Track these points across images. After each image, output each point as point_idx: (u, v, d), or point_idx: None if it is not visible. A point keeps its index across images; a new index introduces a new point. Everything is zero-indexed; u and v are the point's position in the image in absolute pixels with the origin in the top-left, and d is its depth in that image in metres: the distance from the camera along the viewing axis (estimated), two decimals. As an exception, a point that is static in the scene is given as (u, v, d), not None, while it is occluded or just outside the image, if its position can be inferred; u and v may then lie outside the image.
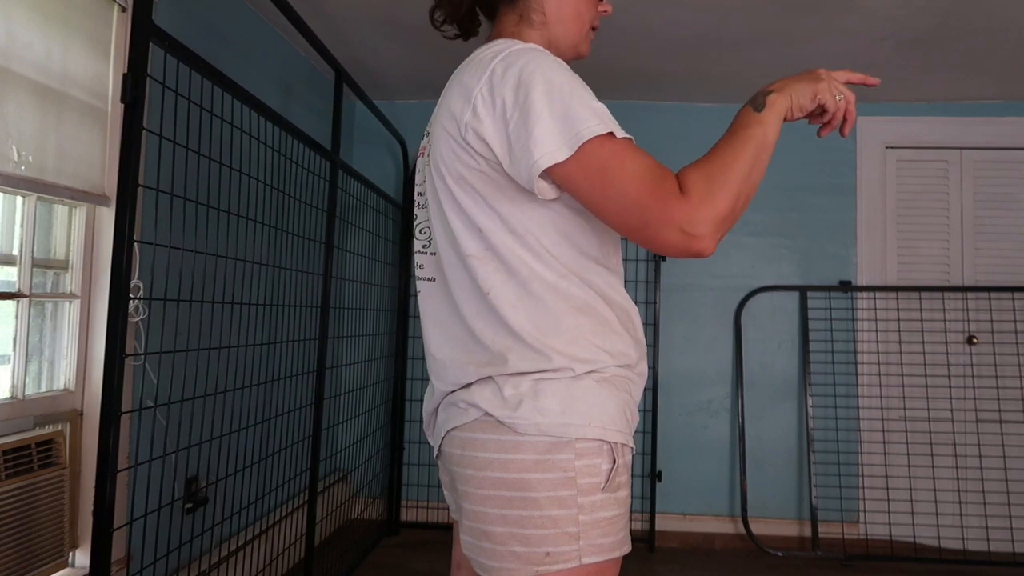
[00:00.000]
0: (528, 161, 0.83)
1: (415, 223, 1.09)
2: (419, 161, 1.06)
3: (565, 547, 0.84)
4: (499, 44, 0.94)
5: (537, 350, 0.89)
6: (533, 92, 0.83)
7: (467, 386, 0.93)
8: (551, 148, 0.82)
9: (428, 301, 1.03)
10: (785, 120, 0.95)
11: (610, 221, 0.85)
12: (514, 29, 0.99)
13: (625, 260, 3.36)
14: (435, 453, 1.02)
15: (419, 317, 1.06)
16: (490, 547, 0.87)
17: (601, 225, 0.93)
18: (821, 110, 1.00)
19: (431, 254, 1.03)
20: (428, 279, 1.04)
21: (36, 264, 1.72)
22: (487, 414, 0.89)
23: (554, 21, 0.99)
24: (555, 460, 0.85)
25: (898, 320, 3.22)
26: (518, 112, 0.84)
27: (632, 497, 3.29)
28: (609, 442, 0.88)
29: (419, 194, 1.06)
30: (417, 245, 1.07)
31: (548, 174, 0.85)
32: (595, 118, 0.83)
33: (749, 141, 0.87)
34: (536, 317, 0.90)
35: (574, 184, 0.84)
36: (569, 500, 0.85)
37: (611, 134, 0.83)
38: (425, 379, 3.60)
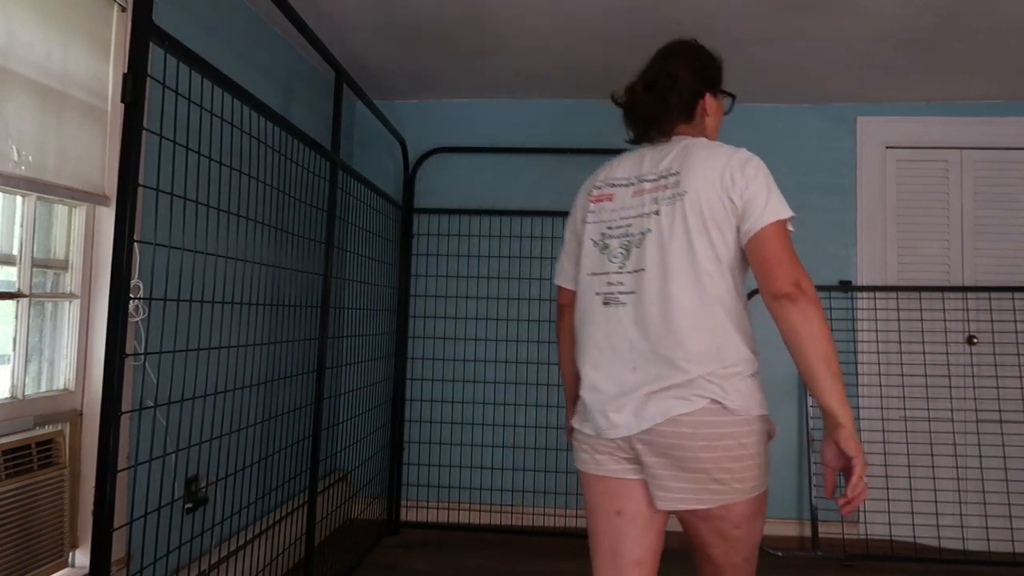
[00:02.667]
0: (766, 211, 1.29)
1: (605, 250, 1.41)
2: (604, 208, 1.43)
3: (762, 479, 1.31)
4: (702, 139, 1.40)
5: (745, 352, 1.31)
6: (770, 177, 1.33)
7: (689, 380, 1.27)
8: (780, 212, 1.29)
9: (621, 312, 1.36)
10: (837, 429, 1.20)
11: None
12: (694, 132, 1.46)
13: (625, 260, 3.37)
14: (621, 434, 1.32)
15: (584, 318, 1.42)
16: (716, 487, 1.27)
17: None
18: (848, 463, 1.20)
19: (631, 272, 1.36)
20: (628, 292, 1.36)
21: (36, 264, 1.73)
22: (713, 401, 1.26)
23: (711, 131, 1.49)
24: (755, 428, 1.29)
25: (898, 320, 3.22)
26: (757, 183, 1.30)
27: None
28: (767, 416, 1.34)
29: (615, 227, 1.40)
30: (607, 267, 1.40)
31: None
32: (785, 209, 1.31)
33: (832, 362, 1.22)
34: (744, 325, 1.33)
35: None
36: (762, 452, 1.31)
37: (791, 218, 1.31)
38: (425, 379, 3.61)
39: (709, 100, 1.46)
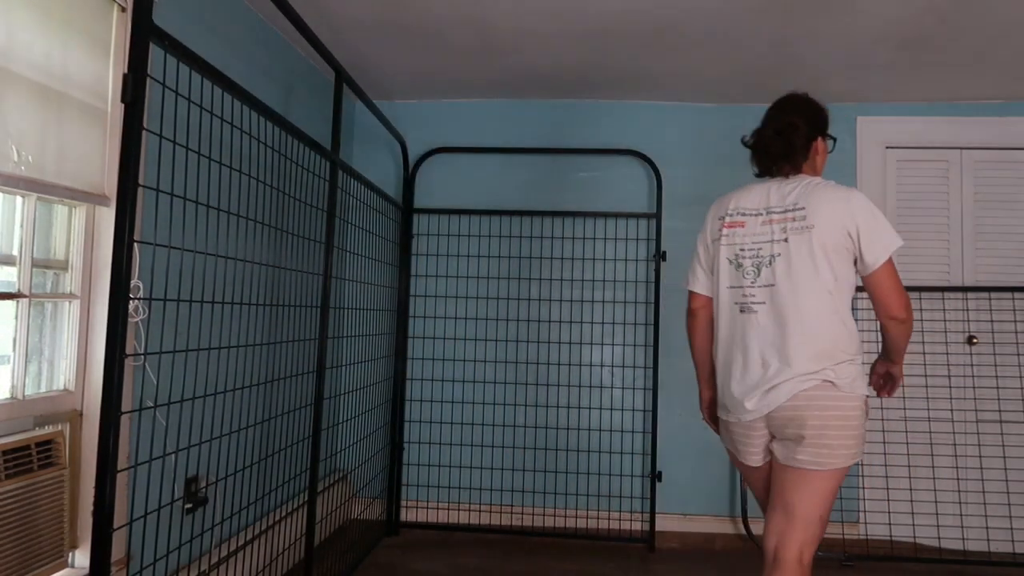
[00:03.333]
0: (879, 250, 1.64)
1: (739, 268, 1.76)
2: (737, 233, 1.77)
3: (858, 448, 1.65)
4: (818, 179, 1.77)
5: (851, 349, 1.67)
6: (875, 213, 1.67)
7: (821, 368, 1.63)
8: (891, 246, 1.65)
9: (753, 318, 1.72)
10: (895, 365, 1.83)
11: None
12: (808, 169, 1.81)
13: (625, 260, 3.37)
14: (753, 416, 1.69)
15: (738, 325, 1.77)
16: (827, 451, 1.61)
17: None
18: (890, 378, 1.85)
19: (762, 286, 1.71)
20: (759, 302, 1.71)
21: (36, 264, 1.72)
22: (826, 381, 1.62)
23: (819, 168, 1.84)
24: (858, 404, 1.65)
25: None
26: (873, 222, 1.66)
27: (632, 497, 3.29)
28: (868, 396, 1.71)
29: (748, 249, 1.75)
30: (742, 281, 1.75)
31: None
32: (897, 242, 1.67)
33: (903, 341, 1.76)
34: (852, 327, 1.70)
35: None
36: (861, 425, 1.65)
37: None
38: (425, 379, 3.61)
39: (819, 143, 1.81)
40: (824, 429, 1.61)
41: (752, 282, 1.72)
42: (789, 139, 1.76)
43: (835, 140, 1.88)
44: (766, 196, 1.76)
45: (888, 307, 1.66)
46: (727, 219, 1.79)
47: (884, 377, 1.85)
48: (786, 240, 1.69)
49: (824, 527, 1.67)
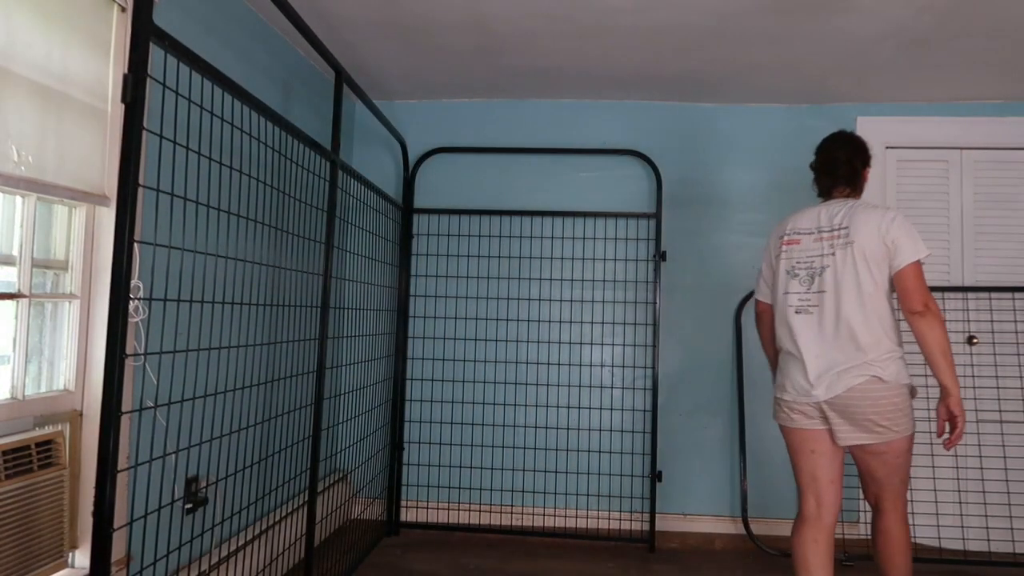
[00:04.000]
0: (906, 254, 1.97)
1: (795, 278, 2.12)
2: (794, 249, 2.15)
3: (908, 425, 2.01)
4: (863, 200, 2.14)
5: (892, 344, 2.00)
6: (913, 229, 1.99)
7: (862, 363, 1.97)
8: (917, 254, 1.96)
9: (809, 318, 2.08)
10: (948, 396, 1.96)
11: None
12: (855, 194, 2.18)
13: (625, 260, 3.37)
14: (816, 399, 2.03)
15: (787, 324, 2.14)
16: (879, 431, 1.98)
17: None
18: (954, 418, 1.97)
19: (814, 292, 2.07)
20: (814, 305, 2.07)
21: (36, 264, 1.72)
22: (874, 376, 1.97)
23: (861, 192, 2.20)
24: (903, 392, 1.99)
25: (898, 320, 3.22)
26: (909, 236, 1.98)
27: (632, 497, 3.29)
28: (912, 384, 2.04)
29: (802, 262, 2.12)
30: (801, 288, 2.10)
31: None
32: (924, 251, 1.97)
33: (945, 357, 1.96)
34: (893, 325, 2.02)
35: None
36: (907, 407, 2.00)
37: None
38: (425, 379, 3.61)
39: (864, 170, 2.20)
40: (878, 416, 1.97)
41: (807, 289, 2.10)
42: (851, 168, 2.17)
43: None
44: (816, 218, 2.14)
45: (908, 301, 1.96)
46: (785, 238, 2.19)
47: (947, 419, 1.98)
48: (833, 254, 2.05)
49: (906, 485, 2.11)
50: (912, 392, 2.03)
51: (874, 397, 1.96)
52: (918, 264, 1.96)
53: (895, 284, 2.00)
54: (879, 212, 2.03)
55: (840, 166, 2.16)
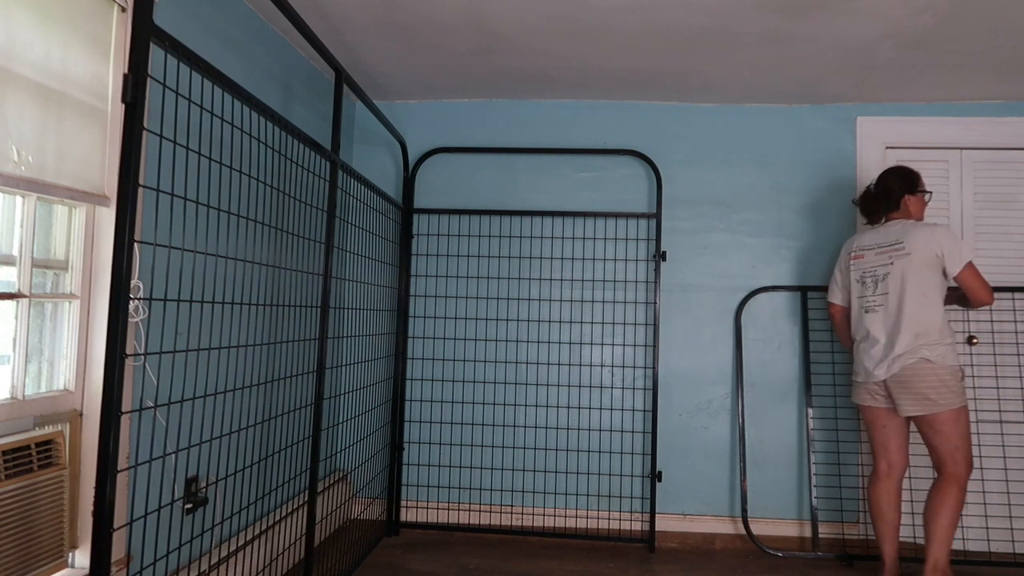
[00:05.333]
0: (957, 261, 2.52)
1: (863, 284, 2.70)
2: (860, 263, 2.73)
3: (953, 399, 2.48)
4: (912, 220, 2.68)
5: (941, 333, 2.51)
6: (958, 240, 2.54)
7: (915, 347, 2.49)
8: (965, 259, 2.52)
9: (875, 316, 2.64)
10: None
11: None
12: (903, 217, 2.69)
13: (625, 260, 3.37)
14: (879, 379, 2.59)
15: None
16: (928, 403, 2.47)
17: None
18: None
19: (879, 295, 2.63)
20: (879, 305, 2.63)
21: (36, 264, 1.72)
22: (924, 359, 2.48)
23: (915, 214, 2.71)
24: (949, 371, 2.48)
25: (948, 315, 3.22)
26: (954, 246, 2.53)
27: (632, 497, 3.29)
28: (960, 366, 2.54)
29: (868, 272, 2.69)
30: (866, 293, 2.69)
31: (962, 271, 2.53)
32: (969, 255, 2.53)
33: None
34: (941, 318, 2.53)
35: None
36: (953, 383, 2.48)
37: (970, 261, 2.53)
38: (425, 379, 3.62)
39: (908, 198, 2.69)
40: (928, 389, 2.46)
41: (872, 293, 2.65)
42: (886, 197, 2.72)
43: (930, 193, 2.77)
44: (875, 237, 2.70)
45: (975, 299, 2.53)
46: (853, 254, 2.77)
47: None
48: (892, 264, 2.60)
49: (962, 452, 2.48)
50: (959, 373, 2.49)
51: (923, 374, 2.47)
52: (970, 266, 2.49)
53: (960, 287, 2.54)
54: (928, 228, 2.55)
55: (889, 196, 2.70)
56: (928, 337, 2.48)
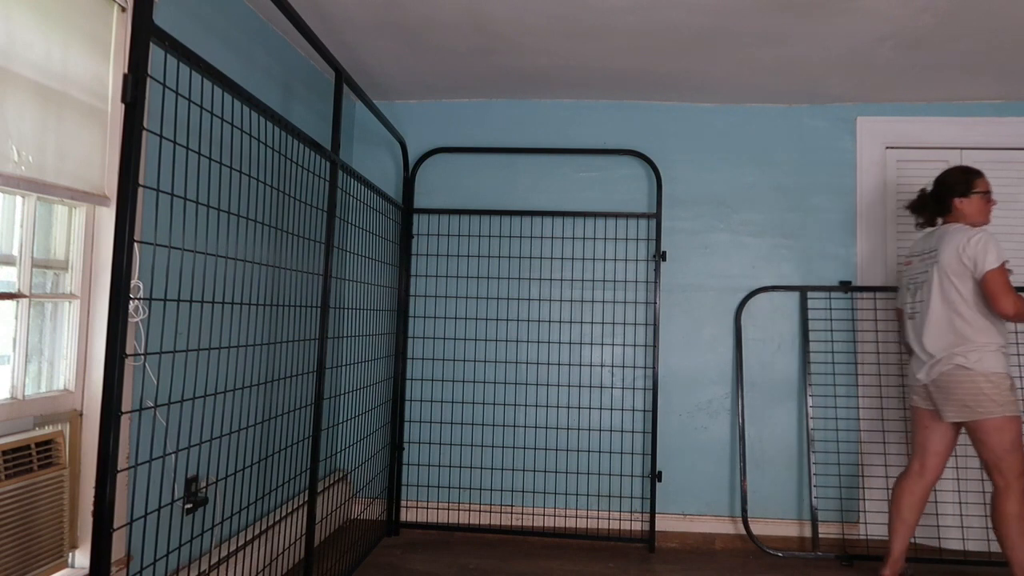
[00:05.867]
0: (982, 267, 2.42)
1: (908, 291, 2.70)
2: (908, 269, 2.73)
3: (993, 408, 2.41)
4: (957, 225, 2.55)
5: (978, 340, 2.45)
6: (987, 246, 2.43)
7: (949, 354, 2.48)
8: (991, 264, 2.40)
9: (915, 322, 2.62)
10: None
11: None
12: (955, 221, 2.60)
13: (625, 260, 3.37)
14: (921, 382, 2.58)
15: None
16: (967, 410, 2.44)
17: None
18: None
19: (919, 301, 2.61)
20: (918, 312, 2.61)
21: (36, 264, 1.72)
22: (959, 365, 2.45)
23: (968, 217, 2.60)
24: (987, 377, 2.42)
25: (991, 320, 3.22)
26: (981, 252, 2.42)
27: (632, 497, 3.29)
28: (1008, 373, 2.47)
29: (912, 279, 2.69)
30: (908, 299, 2.69)
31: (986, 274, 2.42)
32: (998, 260, 2.40)
33: None
34: (979, 324, 2.46)
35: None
36: (991, 392, 2.42)
37: (1001, 265, 2.40)
38: (425, 379, 3.62)
39: (959, 201, 2.60)
40: (966, 396, 2.43)
41: (913, 300, 2.66)
42: (934, 201, 2.67)
43: (985, 193, 2.61)
44: (923, 243, 2.67)
45: (995, 306, 2.41)
46: (904, 259, 2.82)
47: None
48: (927, 271, 2.59)
49: (1008, 463, 2.42)
50: (1004, 382, 2.41)
51: (958, 380, 2.45)
52: (995, 272, 2.39)
53: (983, 289, 2.44)
54: (962, 234, 2.48)
55: (938, 200, 2.65)
56: (964, 345, 2.44)
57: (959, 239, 2.47)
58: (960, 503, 3.13)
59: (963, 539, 3.10)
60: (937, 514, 3.12)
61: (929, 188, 2.69)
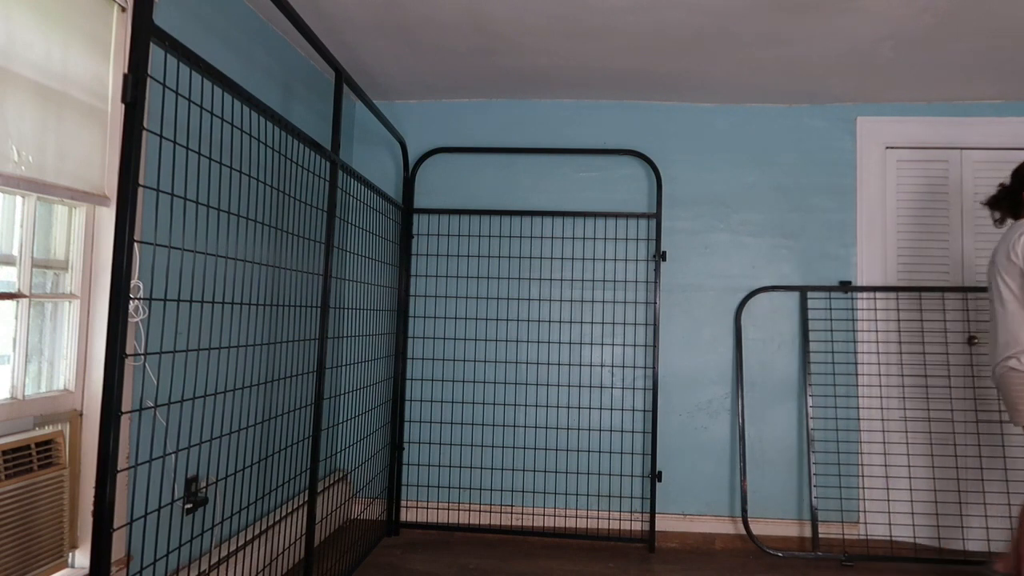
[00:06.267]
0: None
1: (990, 289, 2.57)
2: (989, 267, 2.53)
3: None
4: (1019, 223, 2.43)
5: None
6: None
7: (1006, 357, 2.39)
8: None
9: (990, 322, 2.54)
10: None
11: None
12: (1020, 215, 2.48)
13: (625, 260, 3.37)
14: (994, 383, 2.50)
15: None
16: (1016, 413, 2.38)
17: None
18: None
19: (988, 301, 2.54)
20: (988, 311, 2.96)
21: (36, 264, 1.72)
22: (1011, 368, 2.37)
23: None
24: None
25: (898, 320, 3.22)
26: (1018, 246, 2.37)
27: (632, 497, 3.29)
28: None
29: (989, 278, 2.54)
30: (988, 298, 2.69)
31: None
32: None
33: None
34: None
35: None
36: None
37: None
38: (425, 379, 3.62)
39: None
40: (1015, 399, 2.38)
41: (989, 296, 2.57)
42: (1004, 195, 2.54)
43: None
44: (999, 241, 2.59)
45: None
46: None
47: None
48: (990, 270, 2.54)
49: None
50: None
51: (1010, 383, 2.39)
52: None
53: None
54: (1016, 230, 2.41)
55: (1009, 193, 2.52)
56: (1017, 346, 2.36)
57: (1012, 235, 2.40)
58: (960, 503, 3.13)
59: (963, 539, 3.10)
60: (937, 514, 3.12)
61: (1007, 182, 2.56)
